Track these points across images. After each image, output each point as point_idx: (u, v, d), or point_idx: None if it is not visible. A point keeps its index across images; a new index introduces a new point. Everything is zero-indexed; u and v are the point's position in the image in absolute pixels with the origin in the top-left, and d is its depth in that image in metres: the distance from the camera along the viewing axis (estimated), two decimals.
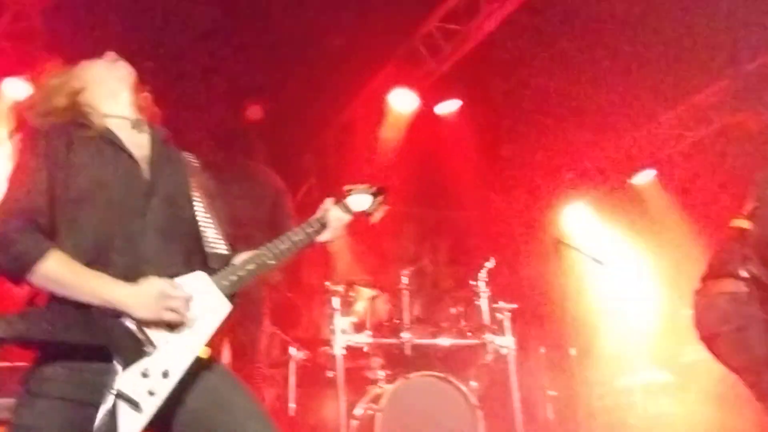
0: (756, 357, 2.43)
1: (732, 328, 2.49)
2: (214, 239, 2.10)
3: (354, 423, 4.53)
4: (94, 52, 2.24)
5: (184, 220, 2.08)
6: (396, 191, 7.78)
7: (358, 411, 4.59)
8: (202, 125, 5.29)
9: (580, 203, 7.89)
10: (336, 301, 4.78)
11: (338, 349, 4.65)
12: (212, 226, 2.13)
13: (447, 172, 7.27)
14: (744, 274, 2.47)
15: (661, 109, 6.88)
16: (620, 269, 6.40)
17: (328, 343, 4.79)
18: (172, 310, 1.84)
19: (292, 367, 5.05)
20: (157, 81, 2.36)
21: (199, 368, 1.91)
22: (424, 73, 5.84)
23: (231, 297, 1.99)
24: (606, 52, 5.95)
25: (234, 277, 2.01)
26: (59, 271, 1.82)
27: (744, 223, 2.53)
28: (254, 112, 5.51)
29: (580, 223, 7.75)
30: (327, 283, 4.97)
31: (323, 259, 7.06)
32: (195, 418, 1.87)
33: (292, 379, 5.03)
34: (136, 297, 1.83)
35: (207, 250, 2.07)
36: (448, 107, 6.55)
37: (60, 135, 1.99)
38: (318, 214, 2.24)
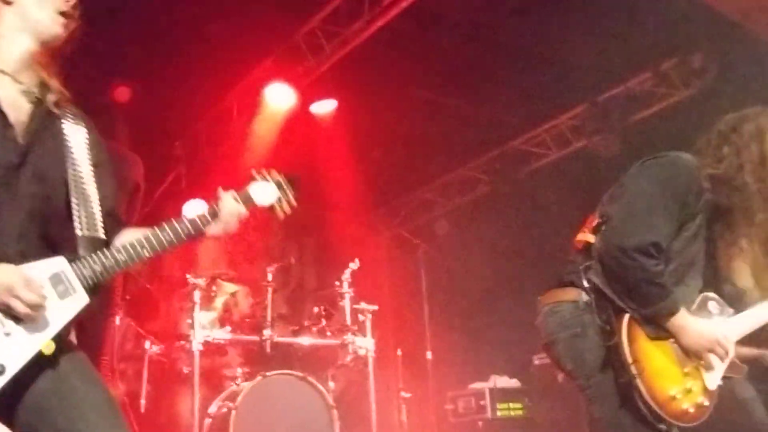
0: (587, 362, 2.49)
1: (569, 334, 2.55)
2: (88, 221, 1.89)
3: (208, 421, 4.42)
4: None
5: (53, 199, 1.86)
6: None
7: (213, 409, 4.48)
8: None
9: (449, 209, 8.06)
10: (196, 295, 4.62)
11: (196, 345, 4.50)
12: (90, 206, 1.91)
13: (318, 171, 7.24)
14: (586, 283, 2.56)
15: (525, 127, 7.16)
16: (479, 276, 6.59)
17: (185, 337, 4.63)
18: (18, 301, 1.65)
19: (146, 362, 4.85)
20: None
21: (61, 355, 1.76)
22: (303, 70, 5.79)
23: (92, 288, 1.81)
24: (479, 69, 6.12)
25: (98, 267, 1.82)
26: None
27: (589, 237, 2.63)
28: (121, 92, 5.25)
29: (447, 228, 7.92)
30: (188, 276, 4.81)
31: (186, 251, 6.83)
32: (39, 404, 1.73)
33: (145, 374, 4.82)
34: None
35: (77, 233, 1.86)
36: (323, 107, 6.52)
37: None
38: (211, 204, 1.98)
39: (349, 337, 5.04)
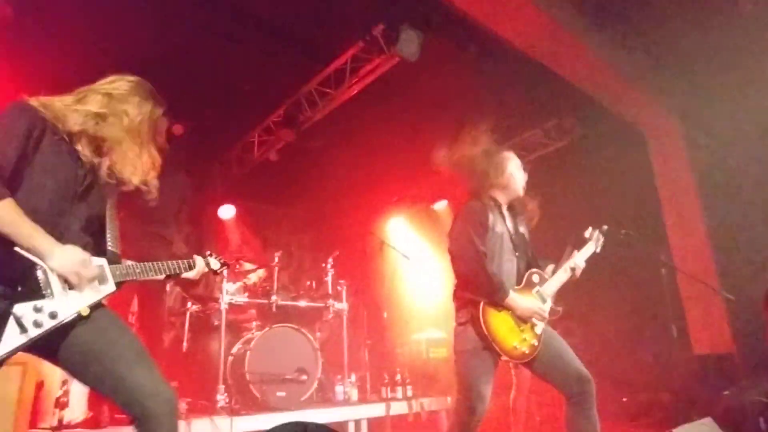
0: (462, 379, 2.54)
1: (457, 354, 2.59)
2: (111, 241, 1.98)
3: (230, 358, 4.40)
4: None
5: (98, 219, 1.96)
6: (279, 197, 7.58)
7: (234, 350, 4.48)
8: None
9: (400, 218, 8.11)
10: (225, 271, 4.57)
11: (223, 305, 4.50)
12: (111, 231, 2.00)
13: (314, 187, 7.25)
14: (456, 302, 2.67)
15: None
16: (421, 263, 6.65)
17: (217, 300, 4.61)
18: (77, 275, 1.74)
19: (188, 317, 4.81)
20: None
21: (101, 314, 1.81)
22: (303, 118, 5.79)
23: (117, 283, 1.91)
24: (417, 120, 6.18)
25: (123, 271, 1.95)
26: (7, 216, 1.64)
27: None
28: (177, 128, 5.19)
29: (399, 231, 7.97)
30: (219, 258, 4.77)
31: (220, 240, 6.78)
32: (88, 348, 1.74)
33: (187, 325, 4.79)
34: (59, 254, 1.71)
35: (107, 246, 1.95)
36: (318, 143, 6.53)
37: (43, 122, 1.80)
38: (192, 258, 2.22)
39: (330, 301, 5.08)
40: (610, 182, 5.71)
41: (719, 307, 5.13)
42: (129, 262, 2.00)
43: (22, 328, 1.61)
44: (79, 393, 3.44)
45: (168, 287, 4.85)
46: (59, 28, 4.24)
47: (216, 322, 4.60)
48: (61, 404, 3.30)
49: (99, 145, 1.93)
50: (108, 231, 1.97)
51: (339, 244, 5.91)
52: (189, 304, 4.86)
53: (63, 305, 1.71)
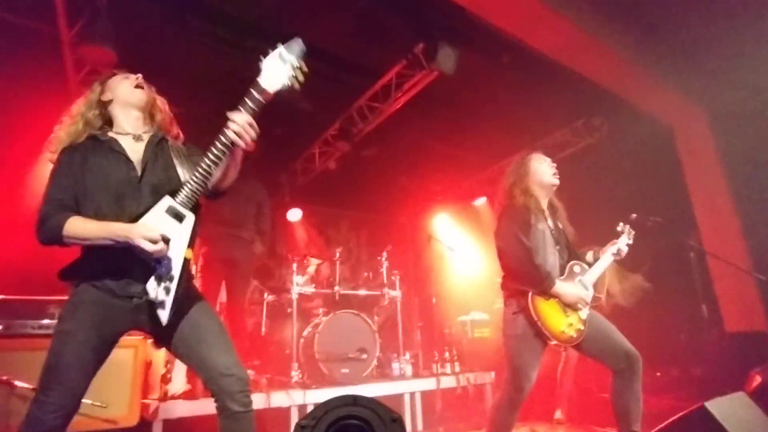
0: (511, 362, 2.46)
1: (507, 338, 2.51)
2: (183, 176, 1.83)
3: (302, 340, 4.51)
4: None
5: (165, 183, 1.82)
6: (338, 200, 7.69)
7: (305, 333, 4.58)
8: None
9: (445, 214, 8.04)
10: (295, 266, 4.71)
11: (295, 295, 4.60)
12: (190, 183, 1.77)
13: (368, 190, 7.30)
14: (504, 292, 2.57)
15: (490, 162, 7.11)
16: (464, 254, 6.57)
17: (289, 291, 4.73)
18: (145, 239, 1.64)
19: (265, 305, 4.95)
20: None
21: (192, 302, 1.80)
22: (356, 130, 5.84)
23: (193, 208, 1.72)
24: (461, 126, 6.11)
25: (186, 194, 1.73)
26: (77, 229, 1.68)
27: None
28: (250, 146, 5.35)
29: (444, 226, 7.90)
30: (290, 255, 4.91)
31: (290, 239, 6.95)
32: (177, 334, 1.77)
33: (265, 313, 4.93)
34: (128, 232, 1.66)
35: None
36: (369, 152, 6.57)
37: (77, 150, 1.85)
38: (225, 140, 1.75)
39: (386, 290, 5.11)
40: (637, 175, 5.42)
41: (751, 288, 4.77)
42: (188, 178, 1.75)
43: (162, 305, 1.64)
44: (179, 371, 3.65)
45: (249, 280, 5.02)
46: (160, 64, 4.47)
47: (289, 310, 4.73)
48: (165, 380, 3.53)
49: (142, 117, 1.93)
50: (177, 171, 1.86)
51: (391, 240, 5.95)
52: (266, 294, 5.01)
53: (170, 263, 1.67)
